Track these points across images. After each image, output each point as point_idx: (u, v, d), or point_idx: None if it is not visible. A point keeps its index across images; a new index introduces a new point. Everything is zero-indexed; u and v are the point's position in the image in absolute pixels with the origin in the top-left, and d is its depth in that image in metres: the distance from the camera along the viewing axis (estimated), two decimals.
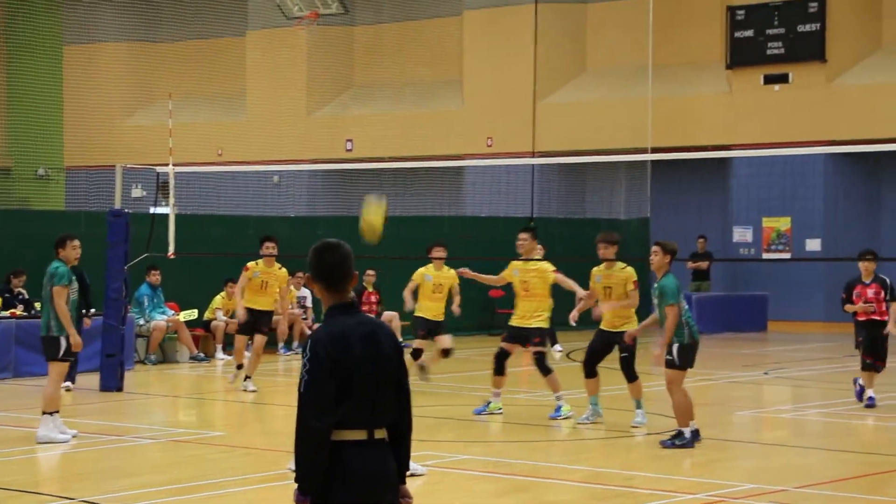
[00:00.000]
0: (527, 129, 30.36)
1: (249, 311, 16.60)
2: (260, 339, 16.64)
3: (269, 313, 16.90)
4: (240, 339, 17.06)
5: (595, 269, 14.08)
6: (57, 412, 12.44)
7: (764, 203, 28.40)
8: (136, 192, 30.52)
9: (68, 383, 16.75)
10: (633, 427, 13.39)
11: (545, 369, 14.03)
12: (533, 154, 29.66)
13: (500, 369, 14.27)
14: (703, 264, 28.09)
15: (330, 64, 34.70)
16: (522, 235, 14.40)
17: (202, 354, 20.91)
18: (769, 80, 28.46)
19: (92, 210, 24.59)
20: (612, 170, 30.19)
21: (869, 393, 15.03)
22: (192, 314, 21.03)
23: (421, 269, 16.37)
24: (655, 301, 12.33)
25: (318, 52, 34.52)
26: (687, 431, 12.24)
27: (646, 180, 29.21)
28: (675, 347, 12.22)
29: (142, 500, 9.76)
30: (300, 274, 21.38)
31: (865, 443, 13.15)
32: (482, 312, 25.83)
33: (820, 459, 12.25)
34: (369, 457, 5.15)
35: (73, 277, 12.81)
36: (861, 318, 15.13)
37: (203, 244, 21.24)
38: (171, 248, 16.78)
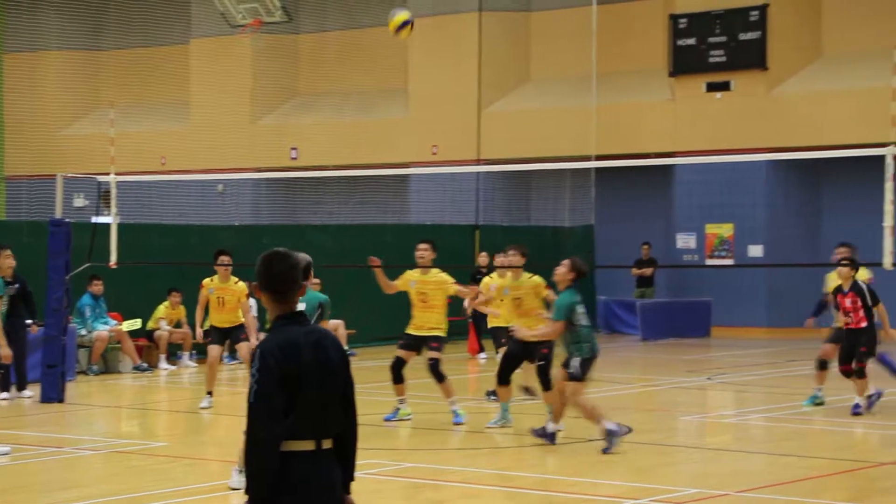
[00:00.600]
0: (472, 137, 30.43)
1: (215, 329, 15.89)
2: (218, 350, 15.95)
3: (239, 328, 15.84)
4: (212, 356, 15.99)
5: (501, 282, 14.08)
6: None
7: (707, 210, 28.61)
8: (79, 202, 30.26)
9: (4, 394, 16.62)
10: (488, 427, 13.46)
11: (439, 376, 14.05)
12: (478, 162, 29.71)
13: (398, 378, 14.29)
14: (647, 271, 28.25)
15: (274, 72, 34.60)
16: (422, 246, 14.37)
17: (145, 364, 20.75)
18: (711, 87, 28.68)
19: (33, 219, 24.37)
20: (557, 177, 30.29)
21: (856, 400, 14.85)
22: (135, 324, 20.88)
23: (486, 279, 15.52)
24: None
25: (263, 60, 34.41)
26: (609, 424, 12.34)
27: (590, 188, 29.35)
28: (577, 361, 12.33)
29: None
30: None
31: (807, 447, 13.27)
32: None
33: (762, 464, 12.34)
34: (317, 467, 5.15)
35: (5, 289, 12.60)
36: (841, 327, 14.84)
37: (146, 253, 21.09)
38: (114, 258, 16.64)
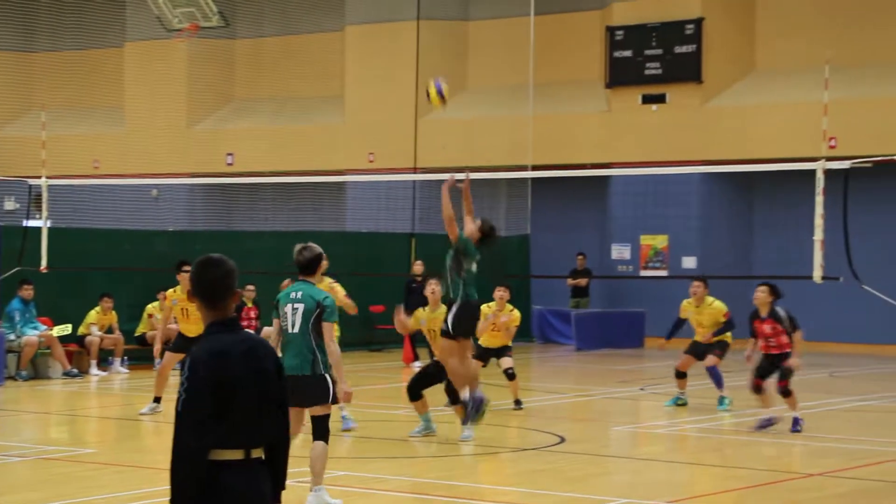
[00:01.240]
0: (408, 145, 30.42)
1: (184, 337, 15.55)
2: (174, 358, 15.46)
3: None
4: (167, 362, 15.59)
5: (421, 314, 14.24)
6: None
7: (641, 221, 28.79)
8: (9, 205, 29.93)
9: None
10: (461, 442, 13.49)
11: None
12: (414, 170, 29.69)
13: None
14: (582, 281, 28.38)
15: (210, 77, 34.40)
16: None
17: (76, 370, 20.52)
18: (647, 99, 28.89)
19: None
20: (493, 187, 30.36)
21: (767, 414, 14.68)
22: (66, 329, 20.65)
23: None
24: None
25: (199, 64, 34.21)
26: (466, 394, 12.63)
27: (526, 197, 29.44)
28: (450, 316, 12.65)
29: None
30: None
31: (735, 458, 13.38)
32: (363, 328, 25.77)
33: (691, 474, 12.43)
34: (246, 476, 5.10)
35: None
36: (763, 350, 14.76)
37: (78, 258, 20.89)
38: (44, 262, 16.48)
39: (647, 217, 28.68)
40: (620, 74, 29.07)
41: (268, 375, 5.19)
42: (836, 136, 24.79)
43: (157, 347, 16.02)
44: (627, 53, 28.97)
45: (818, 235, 12.63)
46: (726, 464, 12.92)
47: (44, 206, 16.95)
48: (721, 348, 16.75)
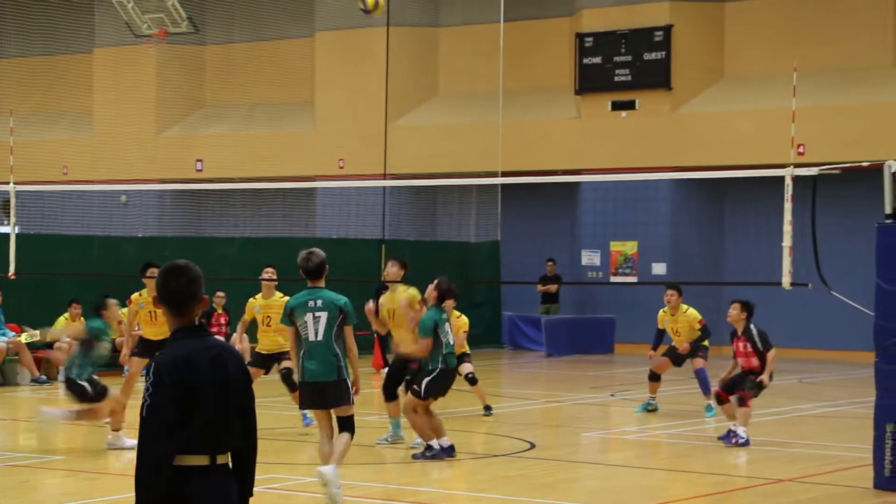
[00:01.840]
0: (378, 151, 30.40)
1: (146, 341, 15.11)
2: (141, 364, 15.26)
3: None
4: (135, 369, 14.92)
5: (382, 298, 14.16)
6: None
7: (611, 227, 28.86)
8: None
9: None
10: (378, 443, 13.56)
11: (292, 385, 14.02)
12: (384, 176, 29.68)
13: None
14: (552, 287, 28.42)
15: (180, 83, 34.29)
16: (269, 269, 15.50)
17: (44, 377, 20.41)
18: (616, 106, 28.96)
19: None
20: (463, 193, 30.37)
21: (738, 429, 14.19)
22: (34, 336, 20.52)
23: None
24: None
25: (168, 70, 34.10)
26: (436, 444, 12.48)
27: (496, 204, 29.46)
28: (426, 380, 12.46)
29: None
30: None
31: (705, 463, 13.41)
32: None
33: (661, 480, 12.46)
34: (211, 482, 5.08)
35: None
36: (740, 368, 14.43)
37: (46, 264, 20.77)
38: (13, 268, 16.36)
39: (617, 223, 28.76)
40: (590, 81, 29.14)
41: (233, 382, 5.17)
42: (805, 143, 24.93)
43: (125, 353, 15.82)
44: (597, 60, 29.05)
45: (787, 242, 12.66)
46: (696, 469, 12.95)
47: (12, 212, 16.82)
48: (703, 350, 16.88)
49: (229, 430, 5.15)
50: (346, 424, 10.53)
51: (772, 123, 25.72)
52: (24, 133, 28.29)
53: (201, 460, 5.06)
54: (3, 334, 20.08)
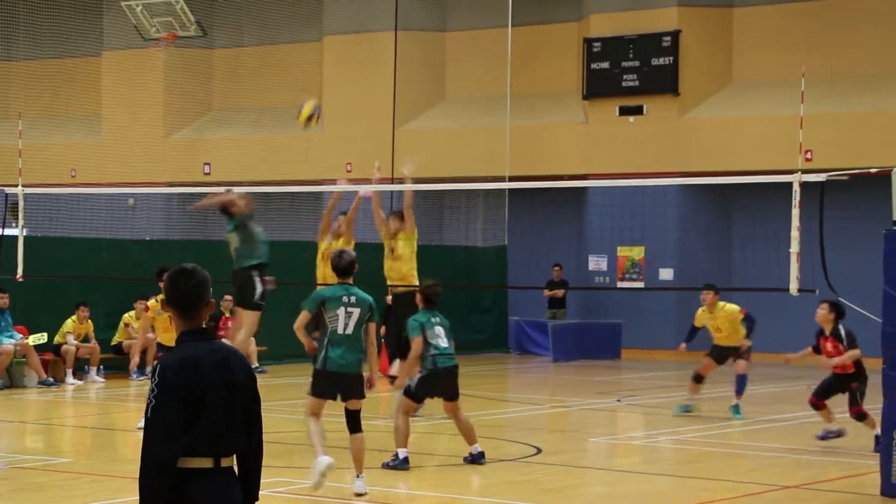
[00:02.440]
0: (386, 155, 30.40)
1: (164, 347, 15.45)
2: None
3: None
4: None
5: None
6: None
7: (618, 233, 28.84)
8: None
9: None
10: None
11: None
12: (392, 181, 29.68)
13: None
14: (559, 292, 28.41)
15: (188, 87, 34.33)
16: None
17: (51, 379, 20.44)
18: (624, 111, 28.97)
19: None
20: (470, 197, 30.37)
21: (830, 427, 14.60)
22: (42, 338, 20.56)
23: None
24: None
25: (176, 74, 34.15)
26: (402, 453, 12.46)
27: (503, 208, 29.46)
28: (417, 377, 12.58)
29: None
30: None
31: (712, 469, 13.40)
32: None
33: (668, 485, 12.45)
34: (215, 486, 5.08)
35: None
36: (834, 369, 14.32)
37: (54, 267, 20.80)
38: (20, 271, 16.39)
39: (625, 228, 28.73)
40: (598, 86, 29.14)
41: (238, 385, 5.18)
42: (812, 149, 24.91)
43: (136, 360, 15.82)
44: (605, 65, 29.05)
45: (794, 248, 12.66)
46: (703, 475, 12.94)
47: (20, 214, 16.87)
48: (748, 353, 17.09)
49: (234, 434, 5.15)
50: (355, 420, 10.97)
51: (780, 129, 25.71)
52: (32, 136, 28.39)
53: (205, 463, 5.07)
54: (11, 336, 20.11)
